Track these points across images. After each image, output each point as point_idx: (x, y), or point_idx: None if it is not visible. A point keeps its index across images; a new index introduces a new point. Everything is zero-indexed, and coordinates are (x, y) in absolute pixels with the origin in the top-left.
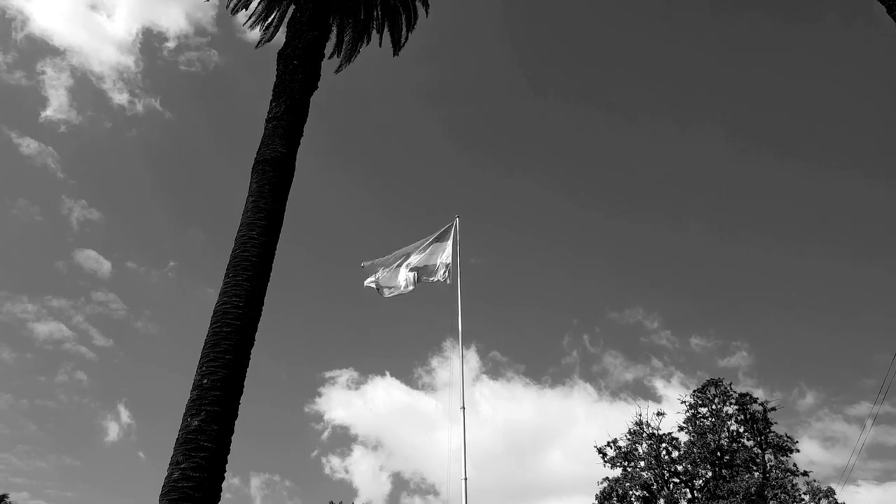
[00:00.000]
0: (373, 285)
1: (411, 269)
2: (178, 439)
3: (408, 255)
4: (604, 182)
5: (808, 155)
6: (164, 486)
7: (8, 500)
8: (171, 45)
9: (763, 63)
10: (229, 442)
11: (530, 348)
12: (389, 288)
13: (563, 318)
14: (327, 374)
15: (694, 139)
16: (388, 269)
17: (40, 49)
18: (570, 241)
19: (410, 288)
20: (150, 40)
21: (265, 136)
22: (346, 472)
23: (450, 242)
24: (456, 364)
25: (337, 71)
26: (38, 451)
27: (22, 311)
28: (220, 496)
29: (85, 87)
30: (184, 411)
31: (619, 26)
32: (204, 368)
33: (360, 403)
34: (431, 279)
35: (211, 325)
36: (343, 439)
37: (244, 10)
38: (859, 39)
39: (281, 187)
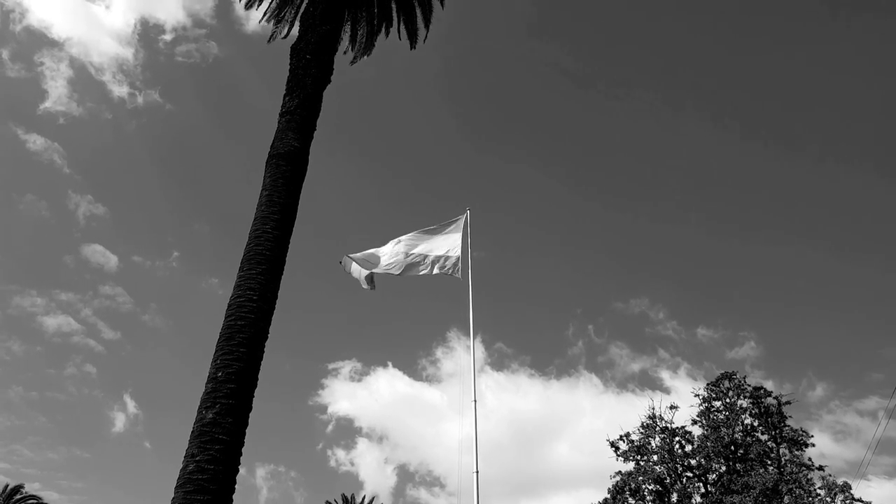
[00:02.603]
0: (359, 271)
1: (417, 255)
2: (193, 431)
3: (406, 242)
4: (609, 173)
5: (818, 150)
6: (179, 478)
7: (23, 490)
8: (168, 36)
9: (773, 57)
10: (244, 434)
11: (535, 339)
12: (378, 265)
13: (568, 308)
14: (330, 366)
15: (703, 132)
16: (376, 253)
17: (38, 41)
18: (573, 232)
19: (397, 270)
20: (147, 32)
21: (278, 130)
22: (352, 464)
23: (459, 235)
24: (464, 356)
25: (353, 62)
26: (48, 442)
27: (31, 304)
28: (234, 488)
29: (84, 78)
30: (198, 404)
31: (630, 19)
32: (219, 361)
33: (364, 395)
34: (437, 271)
35: (225, 318)
36: (347, 431)
37: (257, 5)
38: (869, 32)
39: (294, 181)
